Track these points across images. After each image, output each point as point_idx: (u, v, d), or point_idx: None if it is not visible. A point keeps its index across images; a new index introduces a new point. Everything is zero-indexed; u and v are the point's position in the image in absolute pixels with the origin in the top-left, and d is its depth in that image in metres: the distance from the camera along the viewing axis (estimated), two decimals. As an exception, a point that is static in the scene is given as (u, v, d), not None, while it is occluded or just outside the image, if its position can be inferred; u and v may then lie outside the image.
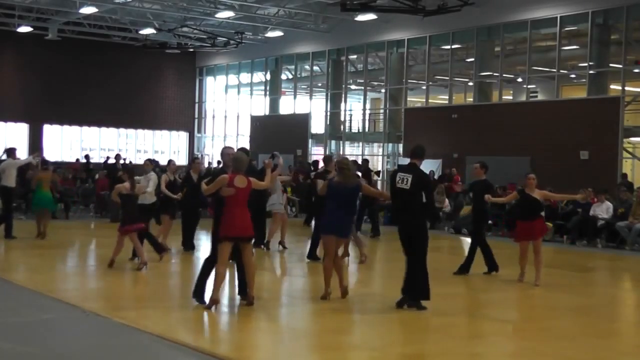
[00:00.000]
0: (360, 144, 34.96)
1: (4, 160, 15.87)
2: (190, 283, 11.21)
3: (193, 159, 15.83)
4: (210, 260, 9.26)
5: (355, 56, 34.85)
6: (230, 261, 12.68)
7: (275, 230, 14.96)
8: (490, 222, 20.04)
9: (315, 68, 37.02)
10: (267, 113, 37.83)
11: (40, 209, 15.74)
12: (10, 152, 15.73)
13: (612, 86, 25.56)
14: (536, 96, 31.10)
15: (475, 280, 12.09)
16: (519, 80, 30.66)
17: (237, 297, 9.46)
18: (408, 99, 32.49)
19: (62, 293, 9.81)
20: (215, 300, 8.85)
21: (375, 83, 37.18)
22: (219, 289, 8.91)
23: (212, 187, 8.87)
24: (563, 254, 16.52)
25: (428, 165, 26.27)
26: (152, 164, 14.11)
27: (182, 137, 42.19)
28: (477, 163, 12.34)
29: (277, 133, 35.40)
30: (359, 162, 21.35)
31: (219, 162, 19.00)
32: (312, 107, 35.98)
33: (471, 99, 29.03)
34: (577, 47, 27.00)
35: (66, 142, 38.81)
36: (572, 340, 8.18)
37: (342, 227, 9.69)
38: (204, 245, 14.43)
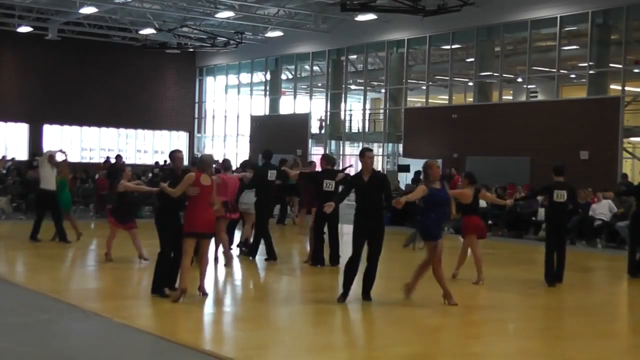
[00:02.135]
0: (360, 144, 34.97)
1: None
2: (190, 284, 11.22)
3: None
4: (163, 255, 9.52)
5: (355, 56, 34.86)
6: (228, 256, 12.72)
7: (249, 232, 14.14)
8: (490, 222, 20.09)
9: (315, 68, 37.04)
10: (267, 113, 37.84)
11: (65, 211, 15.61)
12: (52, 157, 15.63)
13: (612, 86, 25.56)
14: (536, 96, 31.10)
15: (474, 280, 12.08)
16: (519, 80, 30.67)
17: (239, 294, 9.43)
18: (408, 99, 32.49)
19: (62, 293, 9.81)
20: (184, 290, 9.10)
21: (375, 83, 37.20)
22: (186, 279, 9.16)
23: (182, 187, 9.19)
24: (563, 254, 16.49)
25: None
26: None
27: (182, 137, 42.18)
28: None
29: (277, 133, 35.40)
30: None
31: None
32: (312, 107, 35.99)
33: (471, 99, 29.03)
34: (577, 47, 27.01)
35: (66, 142, 38.80)
36: (572, 340, 8.18)
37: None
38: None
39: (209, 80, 42.43)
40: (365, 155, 9.68)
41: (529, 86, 29.29)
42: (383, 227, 9.58)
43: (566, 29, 26.17)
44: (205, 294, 9.53)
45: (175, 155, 9.89)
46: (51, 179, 14.88)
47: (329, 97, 34.93)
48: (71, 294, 9.90)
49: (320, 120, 35.86)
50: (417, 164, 26.48)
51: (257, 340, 7.93)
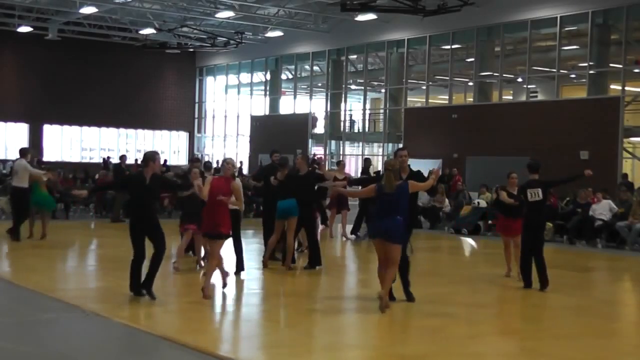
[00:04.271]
0: (361, 143, 34.97)
1: (16, 160, 15.70)
2: (190, 283, 11.22)
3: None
4: (157, 256, 9.33)
5: (355, 56, 34.86)
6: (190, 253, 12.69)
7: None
8: (490, 222, 20.08)
9: (315, 68, 37.04)
10: (267, 113, 37.84)
11: (38, 209, 15.58)
12: (24, 153, 15.60)
13: (612, 86, 25.57)
14: (536, 96, 31.09)
15: (474, 280, 12.10)
16: (519, 80, 30.67)
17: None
18: (408, 99, 32.49)
19: (62, 293, 9.80)
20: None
21: (375, 83, 37.19)
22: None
23: (206, 190, 9.70)
24: (563, 254, 16.51)
25: (428, 165, 26.30)
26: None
27: (182, 137, 42.20)
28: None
29: (277, 133, 35.40)
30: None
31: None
32: (312, 107, 35.99)
33: (471, 99, 29.03)
34: (577, 47, 27.01)
35: (66, 142, 38.82)
36: (572, 340, 8.18)
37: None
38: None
39: (209, 80, 42.44)
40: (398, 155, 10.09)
41: (529, 86, 29.28)
42: None
43: (566, 29, 26.17)
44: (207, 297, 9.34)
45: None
46: (22, 177, 14.84)
47: (329, 97, 34.93)
48: (71, 294, 9.89)
49: (313, 117, 35.57)
50: (417, 164, 26.47)
51: (257, 340, 7.93)
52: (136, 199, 9.33)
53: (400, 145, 30.57)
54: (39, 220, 15.40)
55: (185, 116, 41.98)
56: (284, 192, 12.17)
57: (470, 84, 29.38)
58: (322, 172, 12.99)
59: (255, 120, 37.99)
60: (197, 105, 42.53)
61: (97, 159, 36.98)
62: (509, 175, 12.10)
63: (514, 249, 12.03)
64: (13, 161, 18.66)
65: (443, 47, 30.62)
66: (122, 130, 40.22)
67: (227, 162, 9.92)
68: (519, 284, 11.41)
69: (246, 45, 34.77)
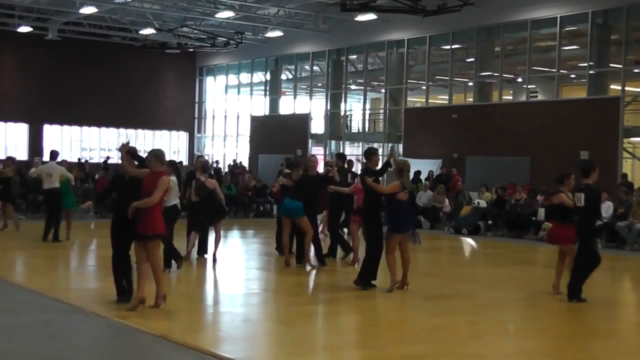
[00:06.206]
0: (360, 144, 34.96)
1: (46, 162, 15.76)
2: (190, 284, 11.24)
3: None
4: (116, 259, 9.16)
5: (355, 56, 34.86)
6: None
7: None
8: (490, 222, 20.09)
9: (315, 68, 37.03)
10: (267, 113, 37.84)
11: (67, 210, 15.59)
12: (54, 155, 15.64)
13: (612, 86, 25.57)
14: (536, 96, 31.10)
15: (474, 280, 12.10)
16: (519, 80, 30.67)
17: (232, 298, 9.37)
18: (408, 99, 32.49)
19: (62, 293, 9.81)
20: (142, 299, 8.64)
21: (375, 83, 37.20)
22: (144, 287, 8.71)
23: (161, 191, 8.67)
24: (563, 254, 16.50)
25: (428, 165, 26.34)
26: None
27: (182, 137, 42.18)
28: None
29: (277, 133, 35.41)
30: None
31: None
32: (312, 107, 35.99)
33: (471, 99, 29.03)
34: (577, 47, 27.02)
35: (66, 142, 38.80)
36: (572, 340, 8.18)
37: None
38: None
39: (209, 80, 42.42)
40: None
41: (529, 86, 29.28)
42: None
43: (566, 29, 26.16)
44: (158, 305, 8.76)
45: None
46: (56, 179, 14.96)
47: (329, 97, 34.93)
48: (71, 294, 9.90)
49: (346, 115, 35.32)
50: (417, 164, 26.53)
51: (257, 340, 7.93)
52: (121, 196, 8.97)
53: (401, 146, 30.66)
54: (63, 220, 15.39)
55: (185, 116, 41.98)
56: (296, 192, 12.27)
57: (470, 84, 29.38)
58: (333, 174, 12.95)
59: (255, 121, 37.98)
60: (197, 106, 42.52)
61: (97, 159, 36.94)
62: (567, 176, 10.70)
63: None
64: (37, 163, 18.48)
65: (443, 47, 30.62)
66: (122, 130, 40.20)
67: (156, 154, 8.90)
68: (518, 284, 11.41)
69: (246, 45, 34.77)
